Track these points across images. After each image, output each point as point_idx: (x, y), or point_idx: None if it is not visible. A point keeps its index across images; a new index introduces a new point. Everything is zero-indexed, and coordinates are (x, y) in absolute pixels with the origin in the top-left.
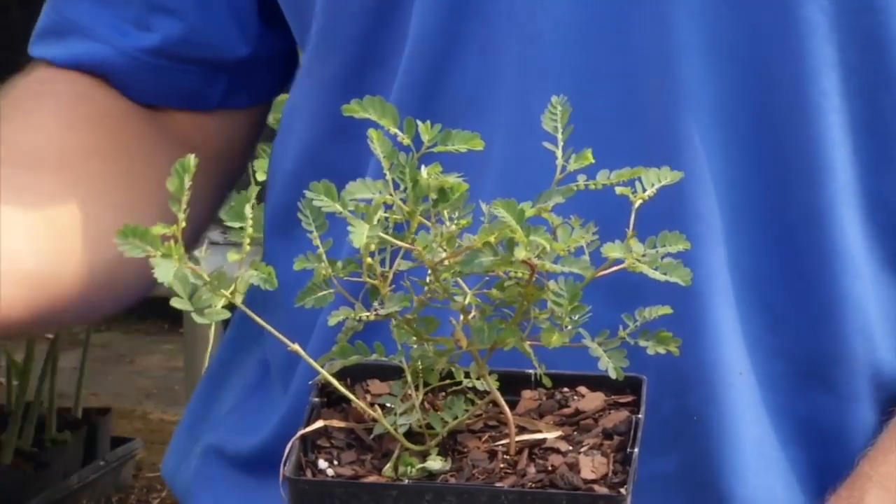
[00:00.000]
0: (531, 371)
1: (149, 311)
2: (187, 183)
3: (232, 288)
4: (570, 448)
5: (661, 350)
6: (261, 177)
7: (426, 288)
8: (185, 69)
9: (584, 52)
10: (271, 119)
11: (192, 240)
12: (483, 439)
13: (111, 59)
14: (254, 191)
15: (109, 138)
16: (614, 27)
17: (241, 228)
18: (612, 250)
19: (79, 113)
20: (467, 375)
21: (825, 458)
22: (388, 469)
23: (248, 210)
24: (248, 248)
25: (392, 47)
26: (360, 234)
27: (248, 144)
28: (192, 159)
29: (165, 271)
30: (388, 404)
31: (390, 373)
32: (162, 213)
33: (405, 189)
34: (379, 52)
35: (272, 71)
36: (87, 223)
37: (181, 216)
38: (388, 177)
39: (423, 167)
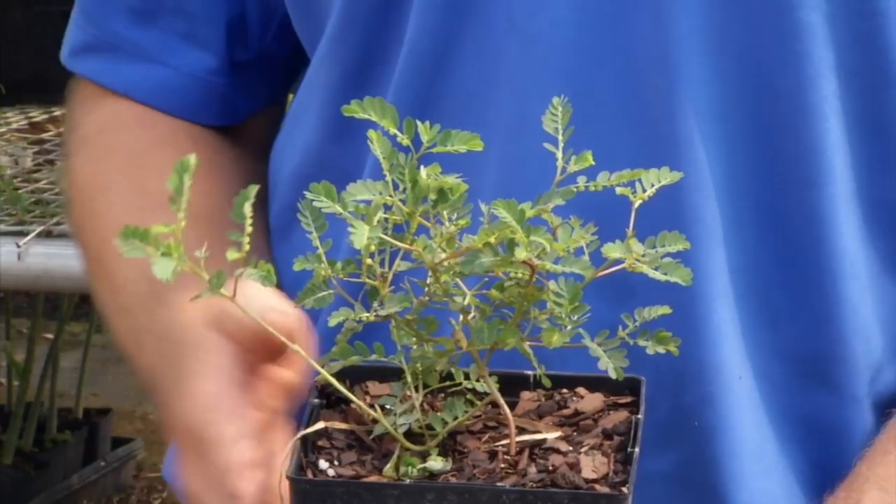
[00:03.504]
0: (530, 373)
1: None
2: (187, 182)
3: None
4: (571, 448)
5: (661, 350)
6: None
7: (426, 289)
8: (229, 82)
9: (582, 52)
10: None
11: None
12: (483, 440)
13: (169, 80)
14: (253, 189)
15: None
16: (613, 28)
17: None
18: (612, 250)
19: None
20: (467, 377)
21: (825, 458)
22: (388, 469)
23: (247, 209)
24: (247, 247)
25: (391, 49)
26: (361, 235)
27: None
28: (192, 158)
29: (164, 269)
30: (388, 405)
31: (390, 374)
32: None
33: (405, 190)
34: (379, 53)
35: (281, 70)
36: None
37: (181, 215)
38: (388, 178)
39: (422, 168)
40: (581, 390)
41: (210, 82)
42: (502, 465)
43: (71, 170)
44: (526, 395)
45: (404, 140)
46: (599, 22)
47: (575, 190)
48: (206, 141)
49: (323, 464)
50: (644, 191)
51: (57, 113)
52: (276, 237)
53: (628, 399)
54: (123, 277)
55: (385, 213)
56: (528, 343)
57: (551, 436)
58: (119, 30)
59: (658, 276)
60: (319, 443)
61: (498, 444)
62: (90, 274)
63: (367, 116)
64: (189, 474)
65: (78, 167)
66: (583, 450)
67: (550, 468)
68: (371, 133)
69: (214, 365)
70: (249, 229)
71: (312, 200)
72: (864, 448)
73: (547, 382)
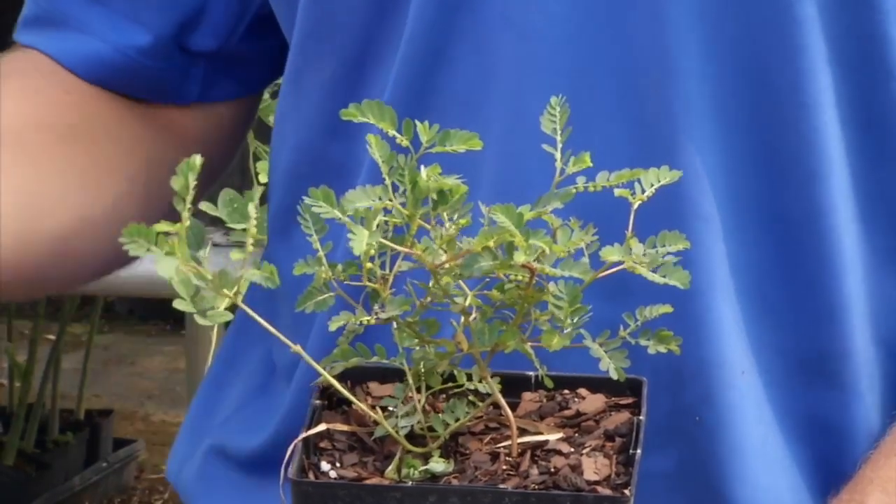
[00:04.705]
0: (531, 373)
1: (151, 312)
2: (192, 182)
3: (235, 289)
4: (573, 450)
5: (662, 349)
6: (263, 178)
7: (427, 291)
8: (166, 66)
9: (578, 48)
10: (272, 120)
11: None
12: (485, 441)
13: (106, 56)
14: (258, 191)
15: (80, 119)
16: (609, 23)
17: (244, 229)
18: (611, 253)
19: (50, 93)
20: (469, 378)
21: (829, 455)
22: (390, 471)
23: (251, 210)
24: (251, 248)
25: (388, 44)
26: (361, 241)
27: (235, 137)
28: (197, 159)
29: (167, 268)
30: (390, 407)
31: (391, 375)
32: (128, 190)
33: (404, 192)
34: (375, 49)
35: (257, 64)
36: (42, 196)
37: (186, 214)
38: (388, 181)
39: (422, 168)
40: (582, 391)
41: (137, 61)
42: (504, 467)
43: None
44: (527, 396)
45: (403, 141)
46: (595, 17)
47: (574, 192)
48: (58, 77)
49: (325, 465)
50: (643, 191)
51: None
52: (276, 238)
53: (630, 400)
54: None
55: (385, 215)
56: (529, 344)
57: (553, 437)
58: (67, 6)
59: (657, 278)
60: (321, 444)
61: (500, 445)
62: None
63: (365, 119)
64: None
65: None
66: (584, 451)
67: (552, 470)
68: (370, 137)
69: None
70: (254, 230)
71: (311, 206)
72: (869, 444)
73: (549, 383)
